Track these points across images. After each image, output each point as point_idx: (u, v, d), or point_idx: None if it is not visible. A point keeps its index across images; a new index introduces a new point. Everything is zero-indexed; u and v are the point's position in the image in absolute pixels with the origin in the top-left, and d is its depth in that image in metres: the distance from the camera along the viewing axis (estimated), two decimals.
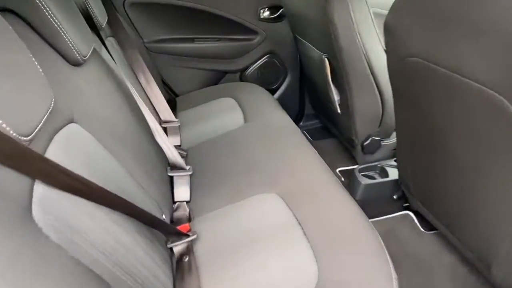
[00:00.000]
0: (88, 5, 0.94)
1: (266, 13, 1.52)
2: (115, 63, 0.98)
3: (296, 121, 1.82)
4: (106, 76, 0.84)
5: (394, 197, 1.24)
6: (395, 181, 1.23)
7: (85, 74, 0.74)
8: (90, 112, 0.69)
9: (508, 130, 0.55)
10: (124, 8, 1.38)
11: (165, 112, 1.23)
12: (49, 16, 0.64)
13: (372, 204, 1.23)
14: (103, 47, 1.01)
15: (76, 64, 0.71)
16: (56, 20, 0.65)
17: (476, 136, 0.64)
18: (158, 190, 0.83)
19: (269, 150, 1.03)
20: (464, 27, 0.55)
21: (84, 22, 0.79)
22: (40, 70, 0.51)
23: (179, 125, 1.23)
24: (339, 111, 1.31)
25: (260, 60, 1.63)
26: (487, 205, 0.69)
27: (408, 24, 0.70)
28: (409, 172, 1.03)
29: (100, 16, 1.03)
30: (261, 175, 0.93)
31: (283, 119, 1.22)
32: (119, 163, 0.69)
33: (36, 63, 0.50)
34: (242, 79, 1.67)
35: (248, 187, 0.91)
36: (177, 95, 1.60)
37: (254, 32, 1.55)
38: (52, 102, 0.51)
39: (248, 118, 1.24)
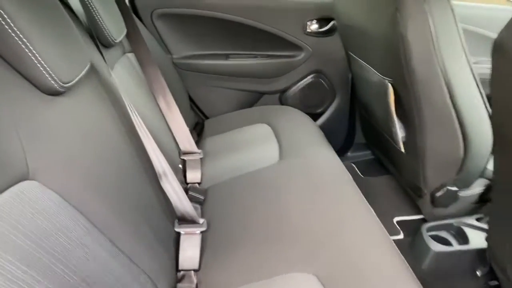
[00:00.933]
0: (97, 16, 0.78)
1: (314, 26, 1.28)
2: (120, 85, 0.80)
3: (343, 150, 1.55)
4: (99, 106, 0.66)
5: (478, 273, 0.91)
6: (480, 251, 0.91)
7: (65, 105, 0.56)
8: (61, 158, 0.50)
9: None
10: (151, 19, 1.23)
11: (186, 141, 1.03)
12: (9, 30, 0.46)
13: (444, 278, 0.92)
14: (114, 65, 0.85)
15: (52, 93, 0.53)
16: (22, 36, 0.47)
17: None
18: (155, 256, 0.63)
19: (308, 205, 0.79)
20: None
21: (77, 37, 0.61)
22: None
23: (201, 157, 1.03)
24: (403, 150, 1.02)
25: (304, 80, 1.40)
26: None
27: None
28: (509, 249, 0.72)
29: (116, 29, 0.87)
30: (296, 243, 0.69)
31: (328, 159, 0.98)
32: (93, 228, 0.50)
33: None
34: (282, 101, 1.44)
35: (277, 259, 0.67)
36: (206, 117, 1.41)
37: (299, 48, 1.32)
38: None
39: (285, 154, 1.01)
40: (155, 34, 1.25)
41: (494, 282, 0.90)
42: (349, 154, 1.56)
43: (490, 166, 0.95)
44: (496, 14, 1.29)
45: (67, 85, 0.54)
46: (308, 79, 1.39)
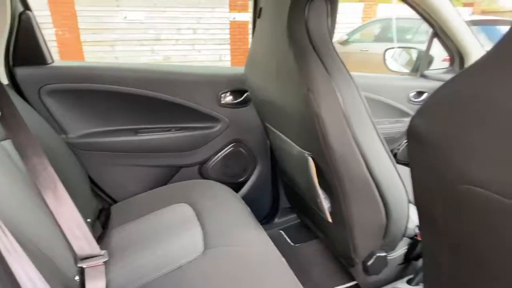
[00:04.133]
0: None
1: (228, 98, 1.27)
2: None
3: (270, 217, 1.50)
4: None
5: None
6: None
7: None
8: None
9: None
10: (39, 97, 1.05)
11: (85, 242, 0.83)
12: None
13: None
14: None
15: None
16: None
17: None
18: None
19: None
20: None
21: None
22: None
23: (105, 260, 0.84)
24: (330, 220, 1.00)
25: (224, 150, 1.34)
26: None
27: (459, 136, 0.44)
28: None
29: None
30: None
31: (256, 242, 0.89)
32: None
33: None
34: (202, 173, 1.35)
35: None
36: (114, 201, 1.21)
37: (215, 119, 1.28)
38: None
39: (209, 241, 0.89)
40: (45, 112, 1.06)
41: None
42: (276, 220, 1.51)
43: (409, 224, 0.99)
44: (385, 82, 1.48)
45: None
46: (228, 149, 1.34)
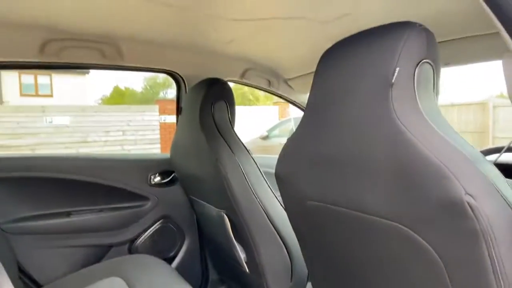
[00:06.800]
0: None
1: (157, 179, 1.48)
2: None
3: None
4: None
5: None
6: None
7: None
8: None
9: (418, 256, 0.54)
10: None
11: None
12: None
13: None
14: None
15: None
16: None
17: (395, 273, 0.61)
18: None
19: None
20: (352, 168, 0.59)
21: None
22: None
23: None
24: (247, 270, 1.18)
25: (153, 227, 1.48)
26: None
27: (298, 171, 0.74)
28: None
29: None
30: None
31: None
32: None
33: None
34: (131, 251, 1.43)
35: None
36: (39, 286, 1.22)
37: (145, 198, 1.45)
38: None
39: None
40: None
41: None
42: None
43: None
44: None
45: None
46: (156, 225, 1.48)
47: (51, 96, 10.73)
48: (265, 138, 7.08)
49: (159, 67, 1.39)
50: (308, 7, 0.93)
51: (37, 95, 10.53)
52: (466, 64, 1.18)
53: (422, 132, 0.52)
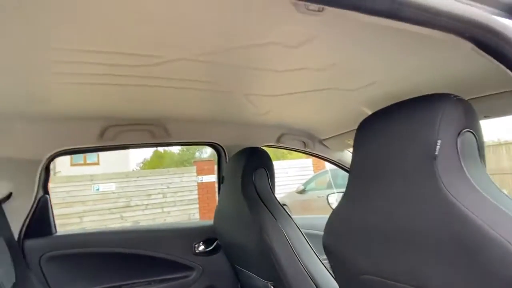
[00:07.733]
0: None
1: (202, 247, 1.50)
2: None
3: None
4: None
5: None
6: None
7: None
8: None
9: None
10: (39, 264, 1.22)
11: None
12: None
13: None
14: None
15: None
16: None
17: None
18: None
19: None
20: (407, 242, 0.58)
21: None
22: None
23: None
24: None
25: None
26: None
27: (348, 242, 0.73)
28: None
29: (6, 277, 0.87)
30: None
31: None
32: None
33: None
34: None
35: None
36: None
37: (190, 268, 1.46)
38: None
39: None
40: (41, 278, 1.21)
41: None
42: None
43: None
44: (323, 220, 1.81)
45: None
46: None
47: (97, 164, 11.53)
48: (302, 192, 6.95)
49: (202, 141, 1.50)
50: (339, 80, 0.99)
51: (85, 163, 11.37)
52: (505, 116, 1.15)
53: (474, 202, 0.51)
